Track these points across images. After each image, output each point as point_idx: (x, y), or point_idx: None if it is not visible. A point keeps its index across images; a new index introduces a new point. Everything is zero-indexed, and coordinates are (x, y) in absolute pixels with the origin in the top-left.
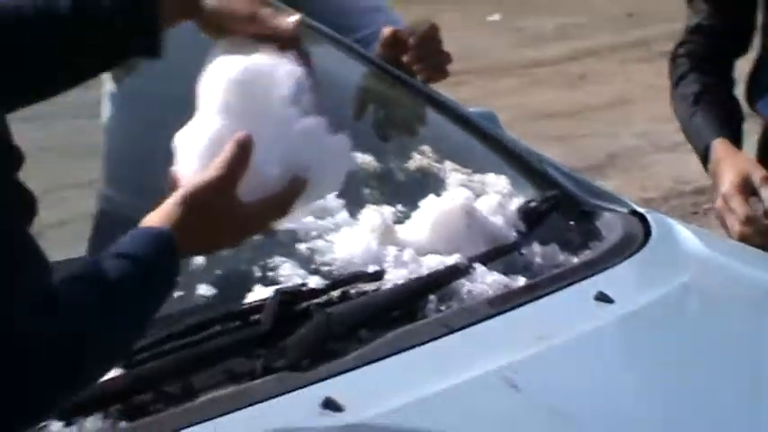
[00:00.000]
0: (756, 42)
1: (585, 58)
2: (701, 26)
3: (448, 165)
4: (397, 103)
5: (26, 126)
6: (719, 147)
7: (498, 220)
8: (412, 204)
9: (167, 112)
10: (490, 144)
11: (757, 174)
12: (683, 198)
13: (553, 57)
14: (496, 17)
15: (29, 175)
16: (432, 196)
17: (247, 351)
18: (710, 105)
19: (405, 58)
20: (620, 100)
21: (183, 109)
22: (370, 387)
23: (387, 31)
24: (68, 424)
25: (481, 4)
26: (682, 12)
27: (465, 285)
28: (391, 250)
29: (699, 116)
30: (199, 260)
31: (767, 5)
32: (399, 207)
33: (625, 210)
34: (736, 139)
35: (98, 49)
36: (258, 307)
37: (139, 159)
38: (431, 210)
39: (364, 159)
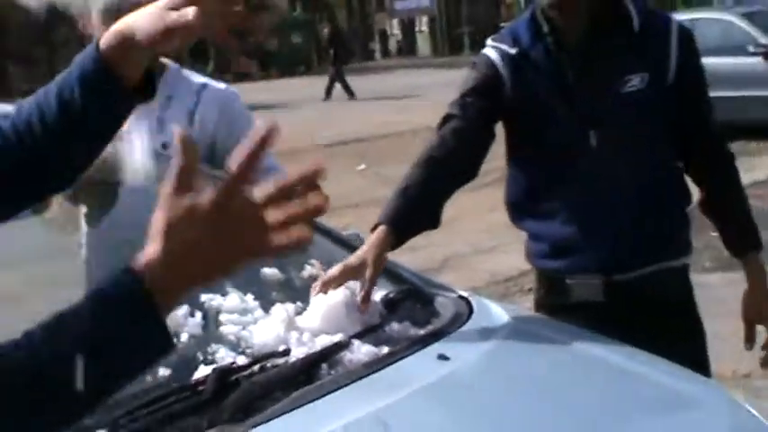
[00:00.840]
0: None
1: None
2: (474, 90)
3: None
4: None
5: None
6: (378, 233)
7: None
8: (307, 301)
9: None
10: None
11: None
12: (498, 285)
13: None
14: (363, 166)
15: None
16: (320, 295)
17: (196, 412)
18: (418, 191)
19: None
20: (453, 219)
21: None
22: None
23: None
24: None
25: (350, 158)
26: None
27: (347, 355)
28: (294, 334)
29: (407, 191)
30: None
31: (508, 128)
32: (298, 303)
33: (454, 295)
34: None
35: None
36: (203, 381)
37: None
38: (321, 304)
39: (273, 272)
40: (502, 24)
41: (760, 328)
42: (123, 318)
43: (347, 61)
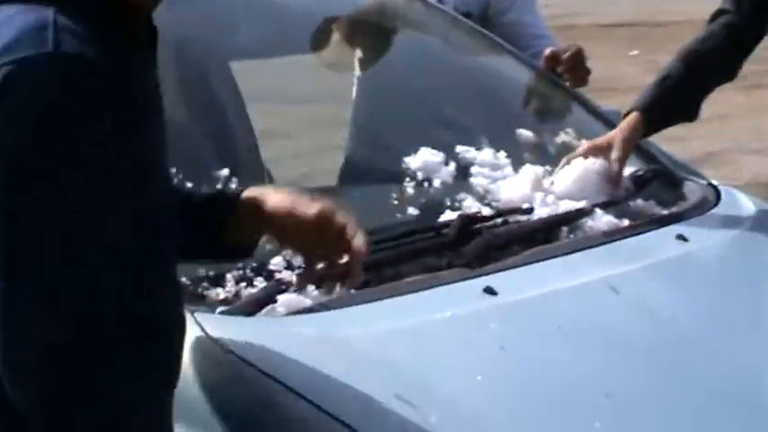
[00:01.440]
0: None
1: None
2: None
3: (584, 142)
4: (551, 98)
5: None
6: (630, 118)
7: None
8: (555, 165)
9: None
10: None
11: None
12: (759, 187)
13: None
14: (636, 52)
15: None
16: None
17: (438, 252)
18: (676, 83)
19: (559, 70)
20: (721, 115)
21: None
22: (517, 282)
23: (548, 51)
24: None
25: (623, 41)
26: None
27: (587, 222)
28: (539, 195)
29: (665, 81)
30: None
31: None
32: (547, 167)
33: (704, 181)
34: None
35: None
36: (447, 224)
37: (375, 130)
38: (574, 168)
39: (527, 135)
40: None
41: None
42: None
43: None
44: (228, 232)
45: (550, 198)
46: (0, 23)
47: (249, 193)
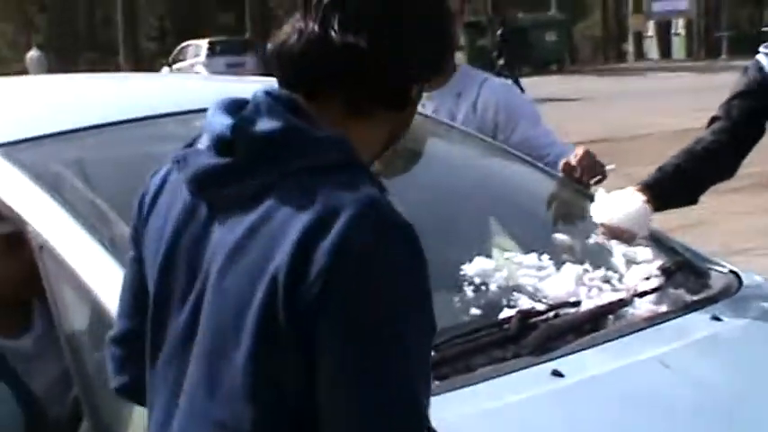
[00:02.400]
0: None
1: None
2: (740, 93)
3: (613, 242)
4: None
5: None
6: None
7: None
8: (593, 263)
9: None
10: None
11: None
12: None
13: None
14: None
15: None
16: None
17: (501, 345)
18: (674, 168)
19: (576, 175)
20: (708, 220)
21: None
22: (580, 365)
23: (562, 162)
24: None
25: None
26: None
27: (629, 310)
28: (583, 289)
29: (663, 168)
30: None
31: None
32: (586, 264)
33: (725, 269)
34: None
35: None
36: (508, 320)
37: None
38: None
39: (564, 237)
40: (764, 29)
41: None
42: None
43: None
44: None
45: (594, 291)
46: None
47: None
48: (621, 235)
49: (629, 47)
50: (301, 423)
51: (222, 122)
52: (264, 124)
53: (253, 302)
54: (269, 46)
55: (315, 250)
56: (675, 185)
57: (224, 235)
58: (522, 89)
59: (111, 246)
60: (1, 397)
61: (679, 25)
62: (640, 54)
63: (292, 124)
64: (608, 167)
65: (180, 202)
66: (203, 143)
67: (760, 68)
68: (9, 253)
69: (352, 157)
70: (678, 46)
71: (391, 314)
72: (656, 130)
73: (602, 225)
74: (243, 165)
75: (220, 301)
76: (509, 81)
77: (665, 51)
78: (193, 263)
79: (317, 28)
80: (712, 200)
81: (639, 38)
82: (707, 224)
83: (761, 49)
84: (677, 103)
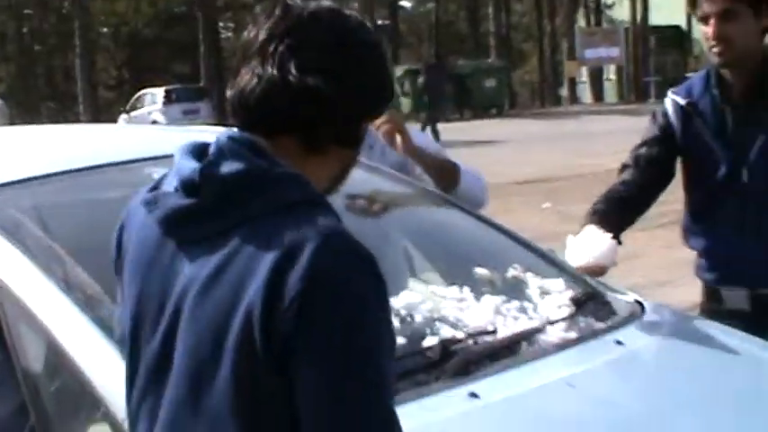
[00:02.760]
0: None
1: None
2: (647, 141)
3: (529, 274)
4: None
5: None
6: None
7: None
8: (509, 295)
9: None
10: (554, 265)
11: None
12: None
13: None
14: (548, 204)
15: None
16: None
17: (425, 370)
18: (599, 216)
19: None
20: (632, 255)
21: None
22: (494, 387)
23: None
24: None
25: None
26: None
27: (541, 337)
28: (500, 319)
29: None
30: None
31: (682, 167)
32: (503, 296)
33: (630, 299)
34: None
35: None
36: (431, 347)
37: None
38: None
39: (482, 272)
40: (687, 75)
41: None
42: None
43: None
44: None
45: (509, 321)
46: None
47: None
48: (598, 271)
49: (564, 91)
50: None
51: (190, 166)
52: (228, 167)
53: (230, 333)
54: (229, 92)
55: (286, 280)
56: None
57: (196, 270)
58: (437, 135)
59: (66, 286)
60: None
61: (610, 71)
62: (575, 98)
63: (254, 165)
64: (543, 206)
65: (151, 240)
66: (171, 185)
67: (665, 114)
68: None
69: (310, 193)
70: (610, 90)
71: (363, 332)
72: (588, 171)
73: (579, 267)
74: (210, 205)
75: (197, 329)
76: (417, 127)
77: (598, 95)
78: (162, 297)
79: (275, 72)
80: (641, 234)
81: (573, 83)
82: (633, 258)
83: (669, 92)
84: (609, 144)
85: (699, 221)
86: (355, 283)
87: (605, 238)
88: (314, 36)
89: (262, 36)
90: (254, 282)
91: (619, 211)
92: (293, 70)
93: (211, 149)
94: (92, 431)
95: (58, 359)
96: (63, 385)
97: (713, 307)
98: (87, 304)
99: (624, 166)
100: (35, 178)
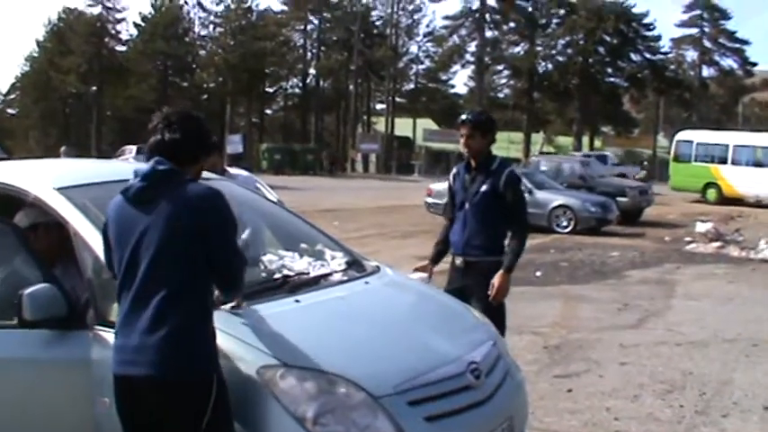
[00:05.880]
0: None
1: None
2: (448, 198)
3: (326, 248)
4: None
5: None
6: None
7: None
8: (319, 257)
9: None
10: (337, 245)
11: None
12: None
13: None
14: (336, 223)
15: None
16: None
17: (273, 290)
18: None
19: None
20: (376, 252)
21: None
22: (307, 299)
23: None
24: None
25: (330, 218)
26: None
27: (330, 278)
28: (312, 267)
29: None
30: None
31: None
32: (314, 258)
33: (374, 263)
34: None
35: None
36: (276, 279)
37: None
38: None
39: (304, 246)
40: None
41: None
42: None
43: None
44: None
45: (317, 268)
46: None
47: None
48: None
49: (349, 165)
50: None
51: (145, 167)
52: (161, 166)
53: (176, 232)
54: (149, 142)
55: (201, 208)
56: (439, 256)
57: (149, 215)
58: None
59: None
60: None
61: (373, 156)
62: (353, 168)
63: (169, 167)
64: (334, 223)
65: (125, 211)
66: (135, 180)
67: (449, 178)
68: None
69: (188, 179)
70: (373, 166)
71: (231, 228)
72: (361, 206)
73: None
74: (154, 184)
75: (157, 237)
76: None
77: (366, 168)
78: (131, 235)
79: (166, 135)
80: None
81: (353, 161)
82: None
83: (454, 167)
84: (371, 193)
85: (451, 226)
86: (226, 207)
87: (422, 275)
88: (181, 124)
89: (159, 124)
90: (183, 212)
91: (444, 248)
92: (167, 134)
93: (151, 163)
94: (115, 306)
95: (97, 264)
96: (103, 279)
97: (451, 265)
98: None
99: (443, 208)
100: (95, 183)
